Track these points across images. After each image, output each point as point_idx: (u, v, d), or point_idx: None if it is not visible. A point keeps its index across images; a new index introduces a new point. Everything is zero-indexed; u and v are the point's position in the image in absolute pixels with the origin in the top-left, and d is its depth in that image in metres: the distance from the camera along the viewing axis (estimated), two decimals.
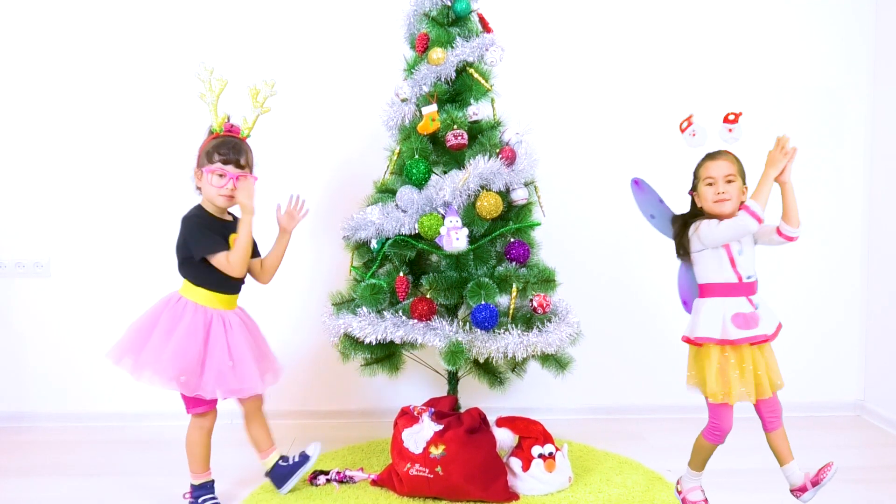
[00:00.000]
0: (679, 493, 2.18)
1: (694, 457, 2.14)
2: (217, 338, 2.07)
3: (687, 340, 2.05)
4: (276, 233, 2.27)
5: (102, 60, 2.98)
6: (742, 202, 1.98)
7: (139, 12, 2.98)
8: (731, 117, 2.03)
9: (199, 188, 2.14)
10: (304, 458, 2.30)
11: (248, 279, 2.24)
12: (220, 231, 2.13)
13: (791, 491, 2.08)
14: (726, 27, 3.08)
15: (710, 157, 2.05)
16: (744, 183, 2.04)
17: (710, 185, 2.01)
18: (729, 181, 2.00)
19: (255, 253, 2.24)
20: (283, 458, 2.31)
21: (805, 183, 3.09)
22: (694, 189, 2.09)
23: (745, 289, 2.00)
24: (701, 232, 2.01)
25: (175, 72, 2.97)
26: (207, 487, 2.19)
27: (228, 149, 2.08)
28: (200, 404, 2.12)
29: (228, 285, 2.14)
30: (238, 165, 2.08)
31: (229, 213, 2.20)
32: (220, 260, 2.07)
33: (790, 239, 2.01)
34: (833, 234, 3.16)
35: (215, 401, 2.14)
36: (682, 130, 2.07)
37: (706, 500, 2.14)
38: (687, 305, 2.17)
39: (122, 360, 2.05)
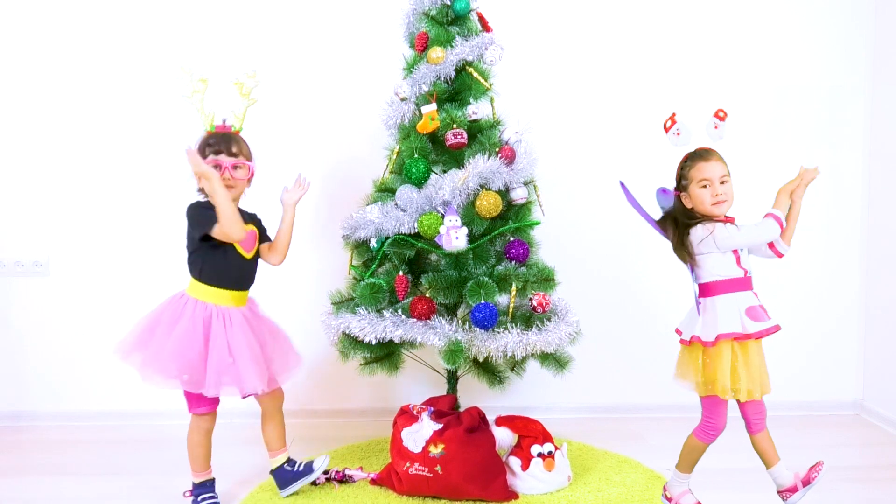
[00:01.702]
0: (669, 499, 2.16)
1: (683, 458, 2.11)
2: (217, 335, 2.05)
3: (700, 342, 1.95)
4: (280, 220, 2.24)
5: (101, 60, 2.98)
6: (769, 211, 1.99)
7: (138, 12, 2.97)
8: (721, 114, 2.01)
9: (201, 189, 2.11)
10: (309, 469, 2.28)
11: (261, 277, 2.22)
12: None
13: (778, 492, 2.05)
14: (725, 27, 3.08)
15: (702, 157, 1.99)
16: None
17: (704, 186, 1.97)
18: (723, 182, 1.97)
19: (264, 237, 2.24)
20: (290, 461, 2.30)
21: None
22: (682, 189, 2.03)
23: (749, 283, 2.00)
24: (717, 236, 1.95)
25: (174, 71, 2.96)
26: (207, 486, 2.20)
27: (217, 140, 2.09)
28: (202, 404, 2.12)
29: (229, 280, 2.11)
30: (230, 153, 2.08)
31: (239, 209, 2.15)
32: (216, 231, 2.03)
33: (779, 255, 2.03)
34: (832, 233, 3.16)
35: (216, 402, 2.14)
36: (667, 130, 2.02)
37: (700, 503, 2.12)
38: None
39: (131, 356, 2.06)
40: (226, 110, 2.15)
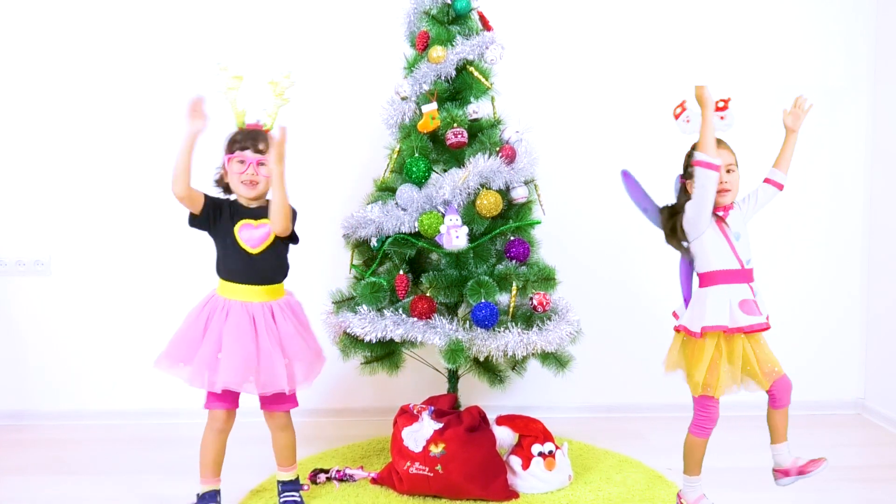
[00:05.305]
0: None
1: (687, 460, 2.07)
2: (214, 327, 2.01)
3: (687, 332, 1.96)
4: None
5: (102, 58, 2.98)
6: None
7: (139, 10, 2.98)
8: (721, 104, 2.00)
9: (227, 184, 2.09)
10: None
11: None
12: (233, 209, 2.08)
13: (773, 470, 2.08)
14: (726, 27, 3.08)
15: None
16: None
17: None
18: (729, 171, 1.99)
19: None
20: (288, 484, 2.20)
21: (806, 182, 3.11)
22: (688, 177, 2.03)
23: (746, 275, 1.98)
24: (686, 213, 1.99)
25: (175, 70, 2.97)
26: (207, 498, 2.09)
27: (245, 135, 2.05)
28: (213, 399, 2.05)
29: (231, 272, 2.05)
30: (256, 150, 2.03)
31: (267, 200, 2.10)
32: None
33: (779, 186, 2.01)
34: (834, 232, 3.16)
35: (227, 399, 2.05)
36: (677, 117, 2.04)
37: None
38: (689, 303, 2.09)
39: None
40: (257, 109, 2.12)
